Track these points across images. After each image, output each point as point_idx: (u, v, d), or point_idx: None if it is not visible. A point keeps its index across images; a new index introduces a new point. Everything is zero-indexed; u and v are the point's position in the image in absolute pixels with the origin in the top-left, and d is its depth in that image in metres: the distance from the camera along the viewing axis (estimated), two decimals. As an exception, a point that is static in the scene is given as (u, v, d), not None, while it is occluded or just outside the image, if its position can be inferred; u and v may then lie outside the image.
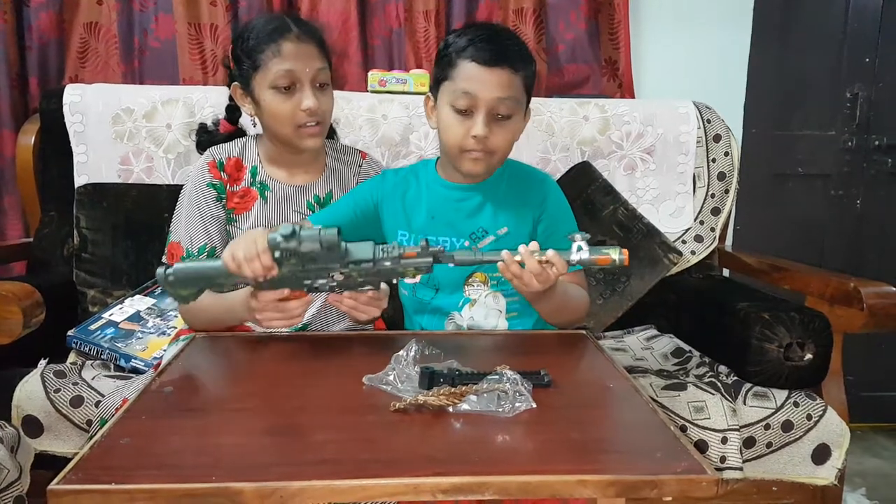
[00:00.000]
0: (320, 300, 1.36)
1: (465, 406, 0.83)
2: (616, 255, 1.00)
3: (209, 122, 1.49)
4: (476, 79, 1.18)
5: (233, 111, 1.45)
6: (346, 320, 1.40)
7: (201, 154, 1.42)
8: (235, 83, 1.32)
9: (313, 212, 1.37)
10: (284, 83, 1.24)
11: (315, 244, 0.98)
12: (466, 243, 1.30)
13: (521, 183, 1.34)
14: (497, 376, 0.87)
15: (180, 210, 1.35)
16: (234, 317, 1.22)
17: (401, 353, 0.94)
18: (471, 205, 1.31)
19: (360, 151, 1.49)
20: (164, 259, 1.37)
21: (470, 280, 1.31)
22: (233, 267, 1.02)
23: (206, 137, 1.46)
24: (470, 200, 1.32)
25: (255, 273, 1.01)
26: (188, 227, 1.31)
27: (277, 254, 1.01)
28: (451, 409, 0.82)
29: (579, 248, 1.01)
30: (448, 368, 0.92)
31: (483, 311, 1.31)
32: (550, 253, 1.03)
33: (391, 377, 0.90)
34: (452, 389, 0.85)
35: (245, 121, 1.46)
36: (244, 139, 1.41)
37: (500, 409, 0.82)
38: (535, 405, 0.83)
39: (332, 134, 1.52)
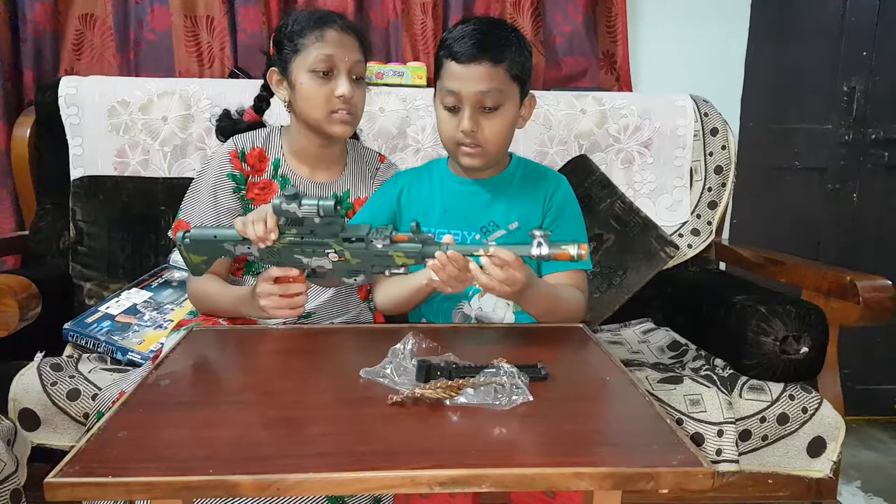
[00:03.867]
0: (328, 293, 1.36)
1: (462, 399, 0.83)
2: (574, 250, 1.02)
3: (233, 110, 1.49)
4: (457, 76, 1.22)
5: (261, 101, 1.46)
6: (347, 312, 1.41)
7: (221, 140, 1.42)
8: (273, 68, 1.34)
9: None
10: (323, 67, 1.26)
11: (313, 209, 1.04)
12: (477, 237, 1.32)
13: (534, 180, 1.36)
14: (494, 369, 0.87)
15: (198, 193, 1.35)
16: (239, 309, 1.25)
17: (398, 346, 0.94)
18: (483, 199, 1.33)
19: (379, 154, 1.52)
20: (170, 234, 1.40)
21: None
22: (239, 226, 1.10)
23: (228, 124, 1.46)
24: (482, 195, 1.34)
25: (258, 233, 1.07)
26: (202, 215, 1.32)
27: (281, 220, 1.08)
28: (448, 402, 0.82)
29: (539, 244, 1.03)
30: (445, 361, 0.92)
31: (492, 302, 1.32)
32: (494, 248, 1.04)
33: (388, 370, 0.90)
34: (449, 382, 0.85)
35: (267, 115, 1.48)
36: (269, 129, 1.42)
37: (497, 403, 0.82)
38: (531, 398, 0.83)
39: (355, 137, 1.55)
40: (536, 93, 1.48)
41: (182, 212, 1.36)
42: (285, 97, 1.34)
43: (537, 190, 1.35)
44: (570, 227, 1.34)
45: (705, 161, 2.02)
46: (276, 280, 1.14)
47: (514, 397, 0.83)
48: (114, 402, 1.24)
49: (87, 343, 1.58)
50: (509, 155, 1.39)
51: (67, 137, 1.85)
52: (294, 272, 1.12)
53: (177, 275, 1.76)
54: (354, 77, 1.29)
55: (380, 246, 1.06)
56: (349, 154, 1.45)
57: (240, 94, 1.55)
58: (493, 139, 1.25)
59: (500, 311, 1.32)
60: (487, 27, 1.24)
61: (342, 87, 1.27)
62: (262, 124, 1.47)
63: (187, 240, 1.13)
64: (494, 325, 1.29)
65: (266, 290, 1.14)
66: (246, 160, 1.36)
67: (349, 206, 1.40)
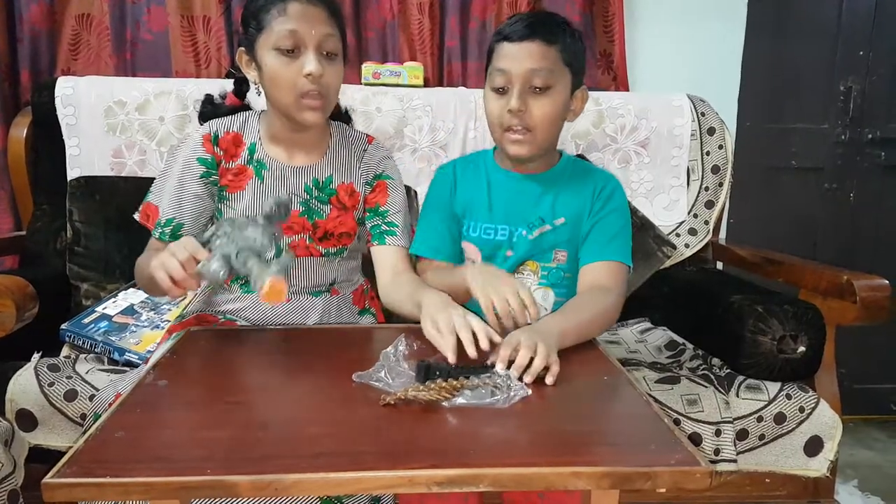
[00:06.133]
0: (319, 311, 1.33)
1: (460, 400, 0.82)
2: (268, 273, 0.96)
3: (216, 94, 1.42)
4: (508, 55, 1.20)
5: (241, 84, 1.38)
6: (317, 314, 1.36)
7: (202, 125, 1.36)
8: (241, 48, 1.26)
9: (310, 195, 1.30)
10: (287, 45, 1.16)
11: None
12: (524, 233, 1.29)
13: (583, 177, 1.33)
14: (490, 373, 0.87)
15: (168, 175, 1.29)
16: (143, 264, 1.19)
17: (388, 349, 0.93)
18: (531, 194, 1.31)
19: (367, 135, 1.41)
20: (136, 216, 1.31)
21: (521, 268, 1.30)
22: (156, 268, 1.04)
23: (209, 109, 1.39)
24: (530, 190, 1.31)
25: (174, 270, 1.01)
26: (168, 197, 1.27)
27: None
28: (445, 404, 0.82)
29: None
30: (444, 362, 0.92)
31: None
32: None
33: (381, 374, 0.89)
34: (443, 383, 0.84)
35: (252, 97, 1.39)
36: (247, 113, 1.35)
37: (496, 400, 0.82)
38: (530, 392, 0.84)
39: (348, 121, 1.47)
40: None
41: (151, 194, 1.30)
42: (255, 79, 1.26)
43: (586, 187, 1.31)
44: (613, 220, 1.28)
45: (702, 160, 2.02)
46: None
47: (512, 394, 0.83)
48: (111, 404, 1.24)
49: (84, 343, 1.58)
50: (559, 153, 1.37)
51: (64, 138, 1.85)
52: (204, 254, 1.03)
53: (174, 275, 1.75)
54: (326, 53, 1.19)
55: (250, 238, 1.00)
56: (333, 137, 1.35)
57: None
58: (542, 122, 1.21)
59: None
60: (542, 14, 1.27)
61: (309, 64, 1.16)
62: (245, 108, 1.40)
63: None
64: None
65: (172, 250, 1.04)
66: (219, 144, 1.29)
67: (332, 191, 1.32)
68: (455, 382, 0.85)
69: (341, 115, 1.44)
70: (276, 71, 1.18)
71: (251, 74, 1.26)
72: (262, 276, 0.97)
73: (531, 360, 0.91)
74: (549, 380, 0.90)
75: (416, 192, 1.88)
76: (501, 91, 1.22)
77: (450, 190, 1.35)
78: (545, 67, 1.19)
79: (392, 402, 0.83)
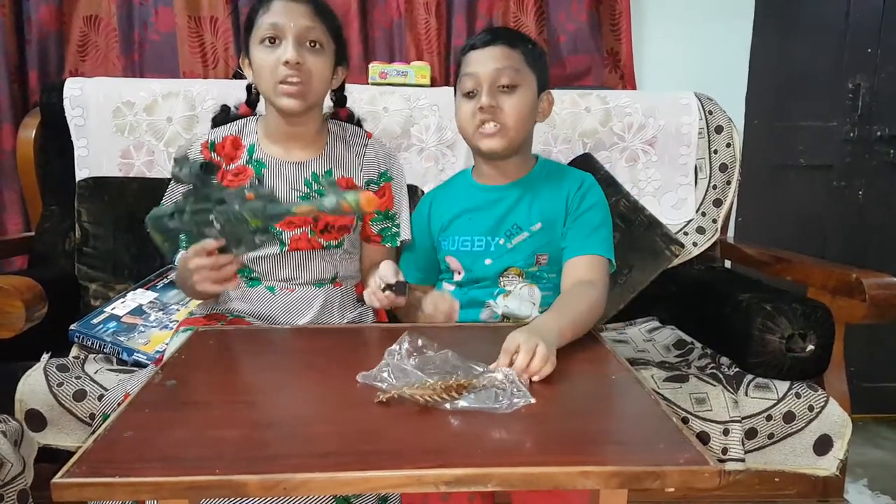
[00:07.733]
0: (321, 300, 1.35)
1: (462, 403, 0.82)
2: (351, 196, 1.00)
3: (232, 105, 1.48)
4: (475, 60, 1.28)
5: (249, 92, 1.43)
6: (344, 318, 1.38)
7: (212, 129, 1.42)
8: (243, 52, 1.33)
9: (310, 189, 1.33)
10: (268, 35, 1.24)
11: (186, 170, 1.07)
12: (501, 241, 1.33)
13: (557, 180, 1.36)
14: (493, 373, 0.87)
15: (173, 189, 1.38)
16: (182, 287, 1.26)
17: (393, 346, 0.93)
18: (505, 204, 1.35)
19: (366, 132, 1.45)
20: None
21: (505, 273, 1.34)
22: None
23: (221, 117, 1.45)
24: (505, 200, 1.35)
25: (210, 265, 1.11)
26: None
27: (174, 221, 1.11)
28: (447, 405, 0.82)
29: (324, 194, 1.02)
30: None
31: (517, 301, 1.33)
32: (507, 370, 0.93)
33: (385, 374, 0.88)
34: (441, 384, 0.83)
35: (262, 107, 1.43)
36: (247, 119, 1.41)
37: (498, 406, 0.81)
38: (533, 400, 0.83)
39: (356, 122, 1.50)
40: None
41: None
42: (252, 79, 1.33)
43: (560, 190, 1.34)
44: (591, 216, 1.31)
45: (710, 159, 2.01)
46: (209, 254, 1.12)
47: (515, 400, 0.82)
48: (119, 404, 1.24)
49: (93, 344, 1.58)
50: (535, 157, 1.40)
51: (72, 139, 1.86)
52: (211, 243, 1.10)
53: (182, 275, 1.76)
54: (309, 44, 1.25)
55: (236, 207, 1.04)
56: (331, 133, 1.39)
57: (244, 94, 1.56)
58: (513, 116, 1.27)
59: (526, 310, 1.32)
60: (503, 27, 1.33)
61: (288, 52, 1.22)
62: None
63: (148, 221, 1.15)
64: (494, 324, 1.30)
65: (197, 264, 1.12)
66: (216, 150, 1.36)
67: (334, 185, 1.35)
68: (451, 383, 0.84)
69: (351, 121, 1.48)
70: (259, 61, 1.26)
71: (249, 74, 1.33)
72: (343, 195, 1.01)
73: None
74: (535, 378, 0.90)
75: (422, 191, 1.88)
76: (471, 95, 1.28)
77: (425, 223, 1.43)
78: (510, 66, 1.26)
79: (384, 400, 0.82)
